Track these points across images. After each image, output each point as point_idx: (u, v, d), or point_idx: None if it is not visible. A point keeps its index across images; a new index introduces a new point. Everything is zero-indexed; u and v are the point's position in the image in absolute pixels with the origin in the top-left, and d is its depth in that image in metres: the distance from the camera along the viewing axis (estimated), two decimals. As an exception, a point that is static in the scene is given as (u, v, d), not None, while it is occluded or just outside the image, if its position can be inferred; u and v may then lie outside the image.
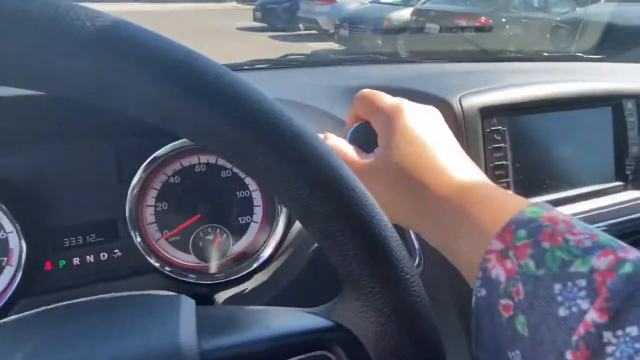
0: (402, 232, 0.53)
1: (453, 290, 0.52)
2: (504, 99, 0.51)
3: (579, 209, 0.57)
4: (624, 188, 0.61)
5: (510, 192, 0.31)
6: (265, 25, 8.55)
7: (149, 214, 0.53)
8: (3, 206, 0.45)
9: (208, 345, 0.24)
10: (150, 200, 0.53)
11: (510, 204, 0.28)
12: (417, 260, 0.51)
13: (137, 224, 0.51)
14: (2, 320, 0.26)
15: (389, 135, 0.34)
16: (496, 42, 5.09)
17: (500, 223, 0.26)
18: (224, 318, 0.28)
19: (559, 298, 0.22)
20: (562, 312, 0.22)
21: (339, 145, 0.37)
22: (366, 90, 0.38)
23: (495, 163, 0.50)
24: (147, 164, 0.49)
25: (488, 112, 0.50)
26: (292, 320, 0.27)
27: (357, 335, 0.26)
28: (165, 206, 0.53)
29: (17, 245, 0.47)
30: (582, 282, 0.22)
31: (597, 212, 0.58)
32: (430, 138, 0.34)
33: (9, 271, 0.47)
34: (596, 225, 0.57)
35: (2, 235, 0.47)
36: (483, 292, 0.25)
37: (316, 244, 0.56)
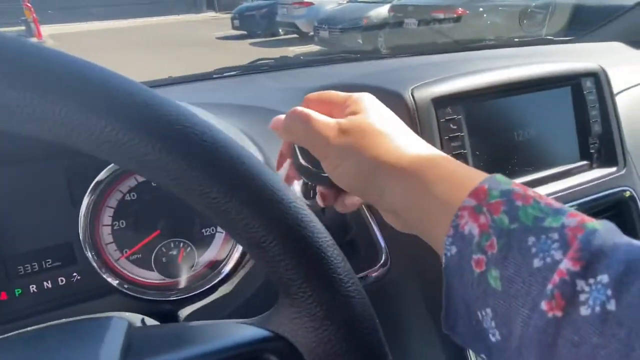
0: (367, 229, 0.53)
1: (423, 286, 0.51)
2: (456, 88, 0.51)
3: (545, 191, 0.57)
4: (589, 167, 0.60)
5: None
6: (245, 32, 8.53)
7: (106, 234, 0.51)
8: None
9: None
10: (107, 219, 0.51)
11: (479, 173, 0.28)
12: (383, 258, 0.50)
13: (95, 244, 0.50)
14: None
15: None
16: (473, 32, 5.12)
17: (471, 185, 0.26)
18: (158, 337, 0.27)
19: (533, 249, 0.22)
20: (536, 263, 0.22)
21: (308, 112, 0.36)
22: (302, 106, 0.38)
23: (453, 152, 0.50)
24: (95, 183, 0.48)
25: (441, 102, 0.49)
26: (227, 333, 0.26)
27: (294, 343, 0.25)
28: (123, 224, 0.52)
29: (-32, 277, 0.45)
30: (555, 235, 0.22)
31: (564, 193, 0.58)
32: (392, 120, 0.35)
33: (-39, 304, 0.46)
34: (565, 205, 0.57)
35: (-48, 268, 0.45)
36: (454, 249, 0.25)
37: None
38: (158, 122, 0.21)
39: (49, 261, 0.49)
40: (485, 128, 0.53)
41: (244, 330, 0.26)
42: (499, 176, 0.27)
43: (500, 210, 0.24)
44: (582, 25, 1.51)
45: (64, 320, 0.29)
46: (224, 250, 0.55)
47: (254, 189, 0.23)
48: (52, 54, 0.20)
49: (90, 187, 0.48)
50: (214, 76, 0.94)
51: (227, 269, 0.53)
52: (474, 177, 0.27)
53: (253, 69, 1.02)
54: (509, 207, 0.24)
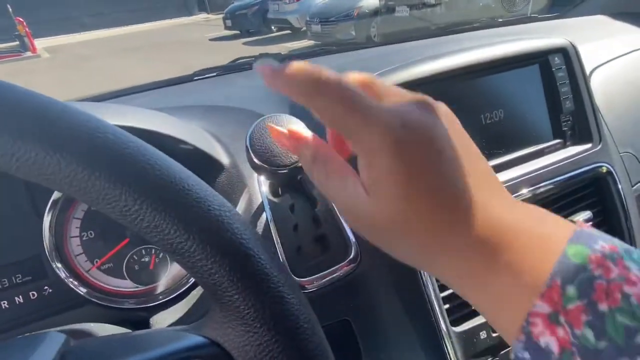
0: (337, 225, 0.52)
1: (395, 280, 0.51)
2: (419, 73, 0.50)
3: (519, 172, 0.56)
4: (563, 145, 0.59)
5: (545, 211, 0.24)
6: (237, 32, 8.50)
7: (75, 245, 0.51)
8: None
9: None
10: (74, 230, 0.51)
11: (551, 239, 0.22)
12: (353, 253, 0.49)
13: (63, 256, 0.50)
14: None
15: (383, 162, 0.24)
16: (463, 14, 5.07)
17: (542, 272, 0.21)
18: (94, 351, 0.26)
19: None
20: None
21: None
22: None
23: (417, 140, 0.49)
24: (57, 196, 0.48)
25: (407, 87, 0.48)
26: (162, 341, 0.26)
27: (226, 348, 0.25)
28: (91, 234, 0.52)
29: (-63, 297, 0.45)
30: None
31: (538, 172, 0.56)
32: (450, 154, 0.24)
33: None
34: (539, 185, 0.56)
35: None
36: (527, 355, 0.21)
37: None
38: (54, 133, 0.20)
39: (18, 276, 0.49)
40: (454, 111, 0.52)
41: (179, 338, 0.26)
42: (572, 249, 0.21)
43: (582, 321, 0.20)
44: (567, 2, 1.49)
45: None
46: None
47: (165, 193, 0.22)
48: None
49: (52, 199, 0.48)
50: (195, 78, 0.94)
51: (191, 280, 0.52)
52: (550, 246, 0.22)
53: (233, 68, 1.02)
54: (592, 317, 0.20)
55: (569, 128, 0.59)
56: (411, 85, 0.49)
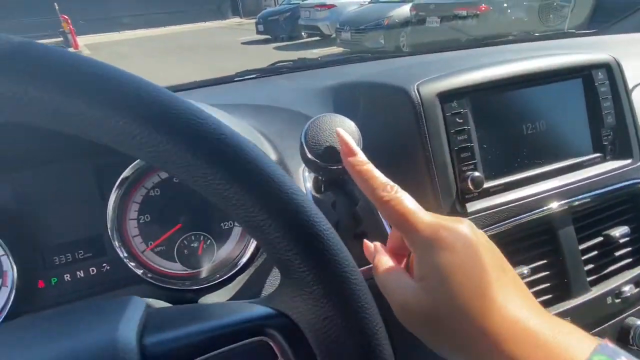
0: (377, 222, 0.54)
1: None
2: (462, 82, 0.52)
3: (557, 184, 0.57)
4: (602, 159, 0.60)
5: (568, 330, 0.27)
6: (269, 37, 8.65)
7: (132, 227, 0.55)
8: (-6, 230, 0.48)
9: (151, 339, 0.25)
10: (133, 213, 0.55)
11: (576, 349, 0.25)
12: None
13: (122, 237, 0.54)
14: None
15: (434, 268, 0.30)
16: (496, 27, 5.02)
17: None
18: (174, 315, 0.29)
19: None
20: None
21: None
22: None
23: (460, 146, 0.51)
24: (121, 180, 0.52)
25: (447, 97, 0.51)
26: (235, 311, 0.29)
27: (295, 320, 0.28)
28: (147, 218, 0.56)
29: (10, 267, 0.50)
30: None
31: (576, 185, 0.57)
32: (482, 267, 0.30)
33: (4, 292, 0.50)
34: (577, 198, 0.57)
35: (-4, 258, 0.50)
36: None
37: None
38: (165, 117, 0.24)
39: (81, 252, 0.53)
40: (493, 121, 0.54)
41: (250, 308, 0.29)
42: (602, 358, 0.24)
43: None
44: (605, 18, 1.48)
45: (87, 300, 0.32)
46: (242, 243, 0.58)
47: (253, 176, 0.25)
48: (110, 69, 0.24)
49: (117, 183, 0.52)
50: (236, 79, 0.98)
51: (243, 260, 0.56)
52: (578, 357, 0.24)
53: (272, 71, 1.06)
54: None
55: (609, 143, 0.59)
56: (456, 93, 0.51)
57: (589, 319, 0.55)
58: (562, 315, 0.54)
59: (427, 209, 0.33)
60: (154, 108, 0.24)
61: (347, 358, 0.27)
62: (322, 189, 0.56)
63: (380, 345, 0.27)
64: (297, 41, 8.20)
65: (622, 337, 0.58)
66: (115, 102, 0.23)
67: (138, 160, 0.53)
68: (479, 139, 0.52)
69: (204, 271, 0.57)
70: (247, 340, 0.27)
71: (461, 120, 0.51)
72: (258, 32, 8.79)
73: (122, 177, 0.52)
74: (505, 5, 5.25)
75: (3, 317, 0.49)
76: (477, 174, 0.50)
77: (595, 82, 0.58)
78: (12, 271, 0.50)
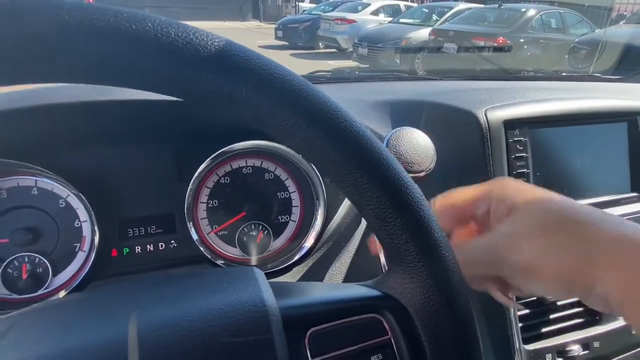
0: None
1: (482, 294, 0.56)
2: (526, 113, 0.56)
3: (596, 217, 0.61)
4: (639, 199, 0.64)
5: None
6: (286, 43, 8.75)
7: (202, 210, 0.59)
8: (83, 198, 0.51)
9: (282, 304, 0.29)
10: (204, 197, 0.59)
11: None
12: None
13: (193, 218, 0.57)
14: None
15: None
16: (514, 61, 5.13)
17: None
18: (290, 288, 0.33)
19: None
20: None
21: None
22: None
23: (518, 171, 0.55)
24: (206, 164, 0.56)
25: (511, 125, 0.55)
26: (348, 289, 0.32)
27: (403, 303, 0.31)
28: (215, 203, 0.59)
29: (90, 233, 0.53)
30: None
31: (613, 220, 0.62)
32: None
33: (81, 256, 0.54)
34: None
35: (77, 224, 0.53)
36: None
37: (348, 240, 0.61)
38: (316, 109, 0.28)
39: (153, 227, 0.57)
40: (547, 152, 0.58)
41: (362, 289, 0.32)
42: None
43: None
44: (630, 65, 1.54)
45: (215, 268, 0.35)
46: (295, 238, 0.62)
47: (386, 176, 0.29)
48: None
49: (200, 169, 0.55)
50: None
51: (303, 251, 0.59)
52: None
53: (311, 79, 1.10)
54: None
55: (647, 184, 0.64)
56: (520, 122, 0.56)
57: (617, 345, 0.58)
58: (591, 340, 0.58)
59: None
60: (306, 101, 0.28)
61: (449, 343, 0.30)
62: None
63: (477, 338, 0.31)
64: (313, 51, 8.30)
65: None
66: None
67: (221, 150, 0.57)
68: (534, 166, 0.57)
69: (256, 260, 0.61)
70: (364, 315, 0.30)
71: (521, 148, 0.55)
72: (277, 38, 8.90)
73: (204, 163, 0.55)
74: (522, 40, 5.37)
75: (80, 279, 0.52)
76: (529, 198, 0.55)
77: (640, 127, 0.63)
78: (90, 237, 0.53)
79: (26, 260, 0.52)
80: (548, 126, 0.58)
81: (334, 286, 0.33)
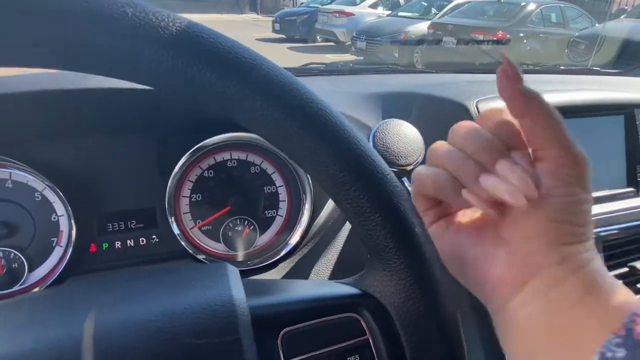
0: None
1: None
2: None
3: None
4: (635, 194, 0.63)
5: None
6: (284, 36, 8.69)
7: (184, 204, 0.57)
8: (59, 191, 0.49)
9: (253, 303, 0.27)
10: (186, 191, 0.57)
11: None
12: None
13: (174, 213, 0.56)
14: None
15: None
16: (513, 56, 5.10)
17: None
18: (265, 285, 0.31)
19: None
20: None
21: None
22: None
23: (509, 164, 0.53)
24: (187, 157, 0.54)
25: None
26: (326, 287, 0.31)
27: (382, 301, 0.30)
28: (199, 197, 0.58)
29: (67, 227, 0.51)
30: None
31: (607, 215, 0.60)
32: None
33: (58, 251, 0.52)
34: (607, 228, 0.60)
35: (54, 218, 0.52)
36: (620, 354, 0.21)
37: (335, 236, 0.60)
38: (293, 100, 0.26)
39: (133, 222, 0.55)
40: (540, 145, 0.57)
41: (340, 287, 0.31)
42: None
43: None
44: (629, 60, 1.52)
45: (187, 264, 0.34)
46: (282, 233, 0.60)
47: (365, 168, 0.27)
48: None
49: (182, 159, 0.53)
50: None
51: (289, 247, 0.58)
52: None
53: (304, 71, 1.07)
54: None
55: (643, 179, 0.63)
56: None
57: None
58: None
59: None
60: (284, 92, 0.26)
61: (430, 343, 0.29)
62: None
63: (460, 336, 0.29)
64: (311, 44, 8.25)
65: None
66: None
67: (202, 143, 0.55)
68: (527, 160, 0.55)
69: (242, 255, 0.59)
70: (341, 315, 0.29)
71: (513, 141, 0.53)
72: (274, 31, 8.83)
73: (185, 155, 0.54)
74: (521, 35, 5.34)
75: (57, 275, 0.51)
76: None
77: (637, 121, 0.61)
78: (68, 232, 0.51)
79: (1, 255, 0.50)
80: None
81: (312, 283, 0.31)
